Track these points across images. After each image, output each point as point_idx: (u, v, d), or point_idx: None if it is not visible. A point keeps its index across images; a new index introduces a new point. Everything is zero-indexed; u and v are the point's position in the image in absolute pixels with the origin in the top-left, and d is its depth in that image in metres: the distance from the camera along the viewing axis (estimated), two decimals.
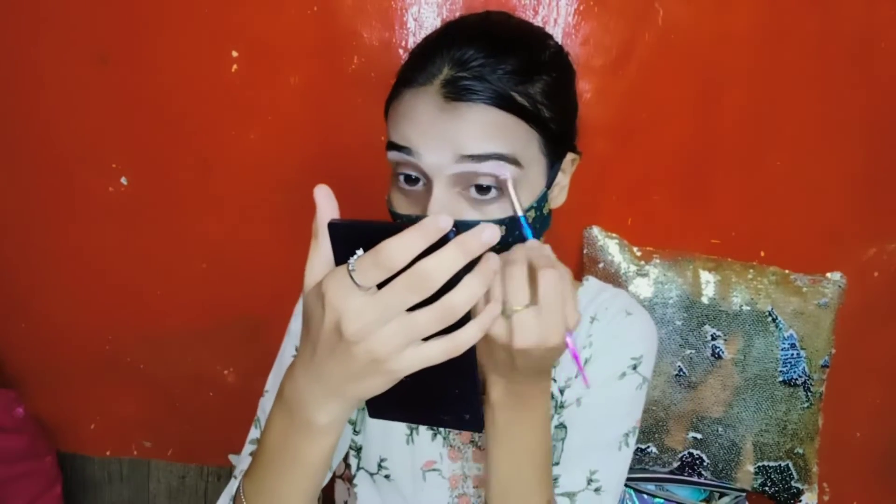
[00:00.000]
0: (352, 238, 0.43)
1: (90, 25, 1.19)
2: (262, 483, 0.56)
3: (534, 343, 0.53)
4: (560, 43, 0.69)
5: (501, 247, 0.61)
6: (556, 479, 0.71)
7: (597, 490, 0.71)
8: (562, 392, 0.76)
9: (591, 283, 0.84)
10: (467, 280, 0.42)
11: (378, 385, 0.46)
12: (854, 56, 1.14)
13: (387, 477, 0.80)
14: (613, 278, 1.18)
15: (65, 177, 1.27)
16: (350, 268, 0.42)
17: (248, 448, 0.80)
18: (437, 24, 1.14)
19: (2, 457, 1.25)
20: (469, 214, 0.61)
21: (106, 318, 1.35)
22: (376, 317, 0.42)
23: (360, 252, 0.43)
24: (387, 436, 0.79)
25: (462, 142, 0.59)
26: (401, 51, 1.15)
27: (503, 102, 0.59)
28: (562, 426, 0.74)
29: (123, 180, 1.26)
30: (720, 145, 1.19)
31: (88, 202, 1.28)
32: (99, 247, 1.31)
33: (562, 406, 0.76)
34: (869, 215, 1.21)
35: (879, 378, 1.29)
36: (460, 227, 0.44)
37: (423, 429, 0.78)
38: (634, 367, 0.75)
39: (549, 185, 0.66)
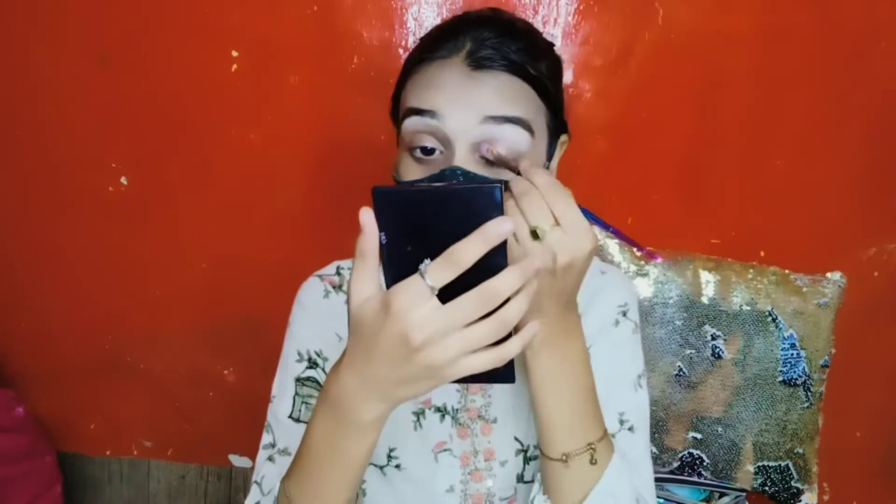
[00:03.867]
0: (396, 203, 0.48)
1: (90, 25, 1.19)
2: (308, 480, 0.59)
3: (577, 252, 0.56)
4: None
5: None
6: None
7: (630, 429, 0.76)
8: None
9: None
10: (520, 297, 0.47)
11: (426, 388, 0.50)
12: (854, 56, 1.14)
13: (397, 467, 0.80)
14: None
15: (65, 177, 1.27)
16: (422, 272, 0.46)
17: (263, 454, 0.79)
18: (437, 23, 1.14)
19: (2, 457, 1.25)
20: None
21: (106, 318, 1.35)
22: (441, 328, 0.46)
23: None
24: (394, 427, 0.79)
25: (486, 104, 0.64)
26: (401, 50, 1.15)
27: (520, 72, 0.66)
28: None
29: (123, 180, 1.26)
30: (720, 145, 1.19)
31: (88, 202, 1.28)
32: (99, 247, 1.31)
33: None
34: (869, 215, 1.21)
35: (879, 378, 1.29)
36: (474, 178, 0.61)
37: (429, 412, 0.79)
38: (624, 314, 0.80)
39: (549, 159, 0.72)
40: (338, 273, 0.86)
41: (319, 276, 0.85)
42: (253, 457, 1.40)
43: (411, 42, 1.15)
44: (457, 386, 0.77)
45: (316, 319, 0.82)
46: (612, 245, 1.19)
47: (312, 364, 0.81)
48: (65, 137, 1.25)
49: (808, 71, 1.15)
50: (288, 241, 1.27)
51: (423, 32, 1.15)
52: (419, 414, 0.79)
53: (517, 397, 0.79)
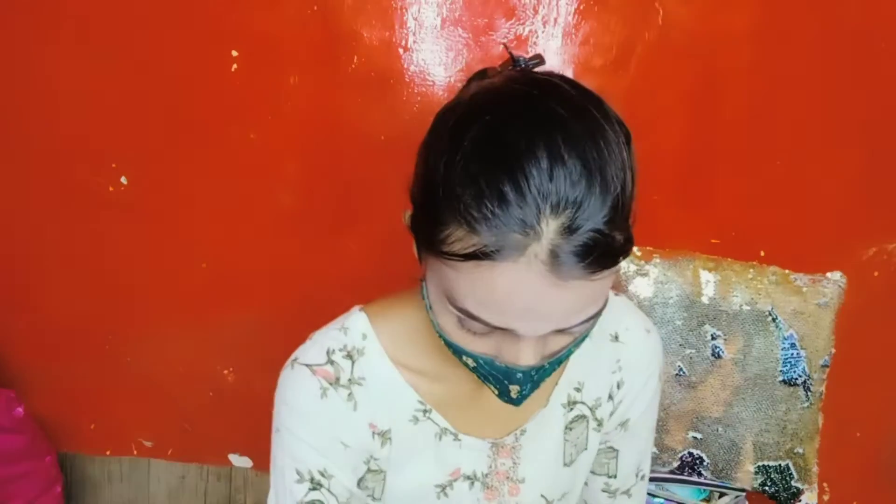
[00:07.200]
0: None
1: (90, 25, 1.19)
2: None
3: None
4: (613, 110, 0.54)
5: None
6: (615, 491, 0.84)
7: (642, 477, 0.85)
8: (592, 410, 0.77)
9: None
10: None
11: None
12: (854, 56, 1.14)
13: None
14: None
15: (65, 176, 1.27)
16: None
17: None
18: (437, 23, 1.14)
19: (2, 457, 1.25)
20: (557, 342, 0.56)
21: (106, 318, 1.35)
22: None
23: None
24: (417, 499, 0.74)
25: (563, 317, 0.52)
26: (401, 50, 1.15)
27: (613, 264, 0.51)
28: (611, 448, 0.81)
29: (123, 180, 1.26)
30: (720, 145, 1.19)
31: (88, 202, 1.28)
32: (99, 246, 1.31)
33: (599, 423, 0.78)
34: (869, 215, 1.21)
35: (879, 378, 1.29)
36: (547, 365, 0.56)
37: (457, 483, 0.74)
38: (658, 378, 0.81)
39: None
40: (330, 362, 0.68)
41: (309, 368, 0.67)
42: (253, 456, 1.40)
43: (411, 42, 1.15)
44: (487, 451, 0.73)
45: (314, 428, 0.67)
46: None
47: (316, 485, 0.68)
48: (65, 137, 1.25)
49: (807, 71, 1.15)
50: (288, 241, 1.27)
51: (423, 33, 1.15)
52: (445, 486, 0.73)
53: (545, 452, 0.76)
